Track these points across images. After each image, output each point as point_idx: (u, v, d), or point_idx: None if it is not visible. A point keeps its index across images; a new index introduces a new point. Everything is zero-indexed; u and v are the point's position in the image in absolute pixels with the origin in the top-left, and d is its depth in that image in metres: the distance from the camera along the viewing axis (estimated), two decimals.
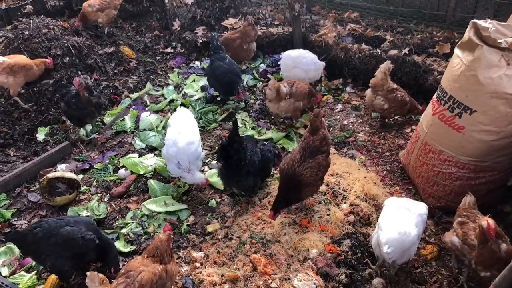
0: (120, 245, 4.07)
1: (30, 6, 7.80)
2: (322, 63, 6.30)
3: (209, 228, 4.21)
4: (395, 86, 5.30)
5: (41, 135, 5.69)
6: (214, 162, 5.15)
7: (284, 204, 3.98)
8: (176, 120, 4.71)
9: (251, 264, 3.69)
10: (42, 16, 7.10)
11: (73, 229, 3.52)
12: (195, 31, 7.90)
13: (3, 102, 5.83)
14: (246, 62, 7.39)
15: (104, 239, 3.73)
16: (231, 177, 4.32)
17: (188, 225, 4.29)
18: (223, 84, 5.91)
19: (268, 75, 6.95)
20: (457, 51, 3.93)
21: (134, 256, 3.95)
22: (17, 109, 5.82)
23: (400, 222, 3.41)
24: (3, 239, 4.20)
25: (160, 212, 4.44)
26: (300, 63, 6.17)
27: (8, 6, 7.86)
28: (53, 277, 3.68)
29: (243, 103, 6.32)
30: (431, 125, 4.25)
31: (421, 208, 3.62)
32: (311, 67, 6.20)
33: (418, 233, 3.42)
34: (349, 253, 3.82)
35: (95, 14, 7.18)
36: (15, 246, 3.85)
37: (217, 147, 5.16)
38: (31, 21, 6.70)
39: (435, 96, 4.28)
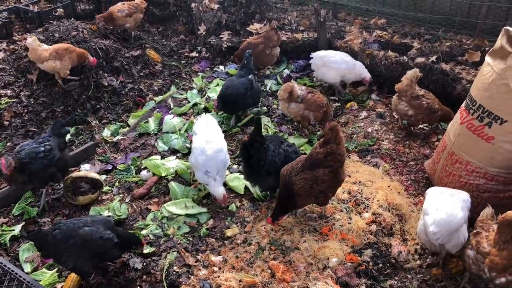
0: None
1: (61, 10, 8.06)
2: (367, 75, 6.32)
3: (228, 233, 4.18)
4: (421, 92, 5.17)
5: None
6: (235, 166, 5.14)
7: (281, 210, 3.94)
8: (201, 127, 4.70)
9: (269, 271, 3.65)
10: (72, 19, 7.29)
11: (91, 230, 3.54)
12: (220, 36, 7.94)
13: (32, 102, 5.99)
14: (270, 67, 7.38)
15: (123, 235, 3.74)
16: (252, 175, 4.35)
17: (207, 229, 4.28)
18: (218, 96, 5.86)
19: (291, 81, 6.92)
20: (488, 59, 3.81)
21: (153, 258, 3.97)
22: (45, 109, 5.96)
23: (446, 205, 3.48)
24: (26, 236, 4.29)
25: (180, 215, 4.44)
26: (328, 61, 6.26)
27: (40, 9, 8.13)
28: (73, 276, 3.72)
29: (265, 108, 6.30)
30: (458, 134, 4.12)
31: (464, 195, 3.66)
32: (341, 65, 6.23)
33: (464, 216, 3.44)
34: (370, 264, 3.73)
35: (124, 19, 7.32)
36: (35, 247, 3.89)
37: (239, 147, 5.15)
38: (62, 23, 6.90)
39: (463, 104, 4.16)
